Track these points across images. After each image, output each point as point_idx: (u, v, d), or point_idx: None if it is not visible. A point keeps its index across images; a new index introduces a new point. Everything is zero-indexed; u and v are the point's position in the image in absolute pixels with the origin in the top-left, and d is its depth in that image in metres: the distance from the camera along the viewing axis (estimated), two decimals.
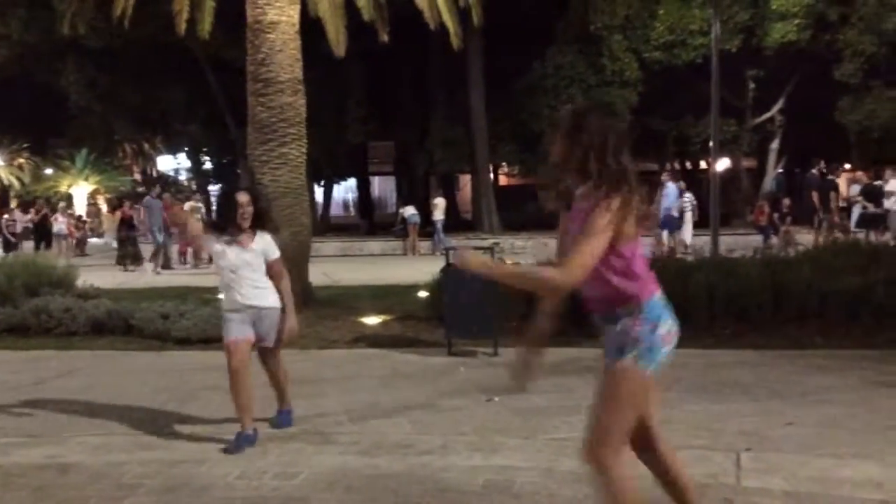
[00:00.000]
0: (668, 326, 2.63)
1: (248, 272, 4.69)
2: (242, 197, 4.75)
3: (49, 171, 39.14)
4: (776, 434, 4.59)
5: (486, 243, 14.09)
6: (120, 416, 5.31)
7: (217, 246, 4.73)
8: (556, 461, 4.10)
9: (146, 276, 15.34)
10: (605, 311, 2.63)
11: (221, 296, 4.90)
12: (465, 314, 7.01)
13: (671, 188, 16.81)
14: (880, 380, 5.86)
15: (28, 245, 21.02)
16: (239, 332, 4.64)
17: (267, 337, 4.77)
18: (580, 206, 2.53)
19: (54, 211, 22.34)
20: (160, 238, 16.67)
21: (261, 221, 4.81)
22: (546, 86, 23.07)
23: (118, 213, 22.58)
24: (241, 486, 3.93)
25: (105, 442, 4.71)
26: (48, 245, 20.37)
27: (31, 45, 24.11)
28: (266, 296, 4.73)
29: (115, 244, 19.97)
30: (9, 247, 20.18)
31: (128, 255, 17.70)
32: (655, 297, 2.61)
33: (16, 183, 42.21)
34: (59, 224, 20.83)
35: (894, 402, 5.25)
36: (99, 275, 12.83)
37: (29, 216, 22.26)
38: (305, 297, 9.75)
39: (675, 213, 16.74)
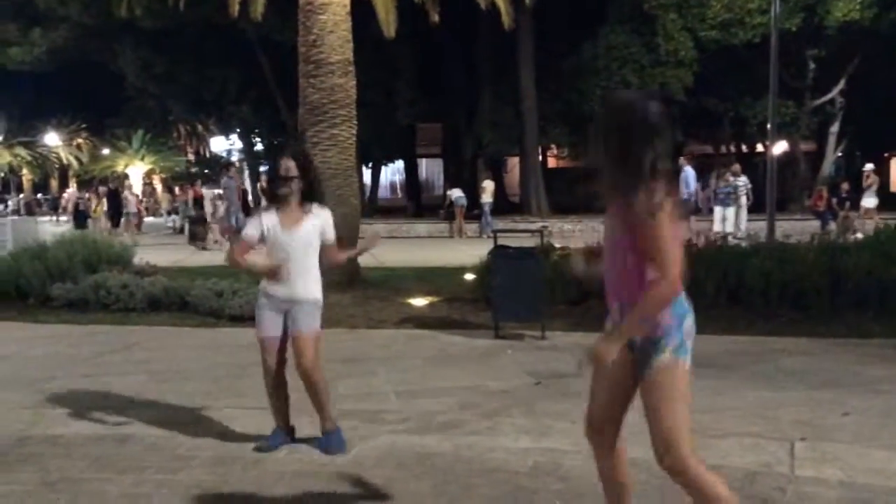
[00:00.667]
0: (691, 320, 2.63)
1: (299, 256, 4.03)
2: (287, 163, 4.00)
3: (106, 151, 40.25)
4: (832, 424, 4.48)
5: (534, 227, 13.98)
6: (175, 389, 5.45)
7: (265, 221, 4.05)
8: None
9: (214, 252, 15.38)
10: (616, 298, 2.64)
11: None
12: (513, 297, 6.98)
13: (689, 173, 16.28)
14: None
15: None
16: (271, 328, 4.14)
17: (297, 328, 4.10)
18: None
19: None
20: (234, 219, 16.37)
21: (312, 195, 4.09)
22: (597, 66, 22.70)
23: (188, 191, 23.13)
24: (292, 461, 4.00)
25: (161, 415, 4.84)
26: (116, 224, 20.91)
27: (88, 26, 24.72)
28: (309, 287, 4.08)
29: (173, 223, 20.47)
30: (82, 223, 20.79)
31: (199, 234, 17.94)
32: (682, 293, 2.57)
33: (74, 162, 43.53)
34: (129, 203, 21.33)
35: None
36: (159, 253, 13.18)
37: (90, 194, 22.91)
38: (353, 278, 9.86)
39: (694, 199, 16.27)
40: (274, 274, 4.02)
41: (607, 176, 2.54)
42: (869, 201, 17.06)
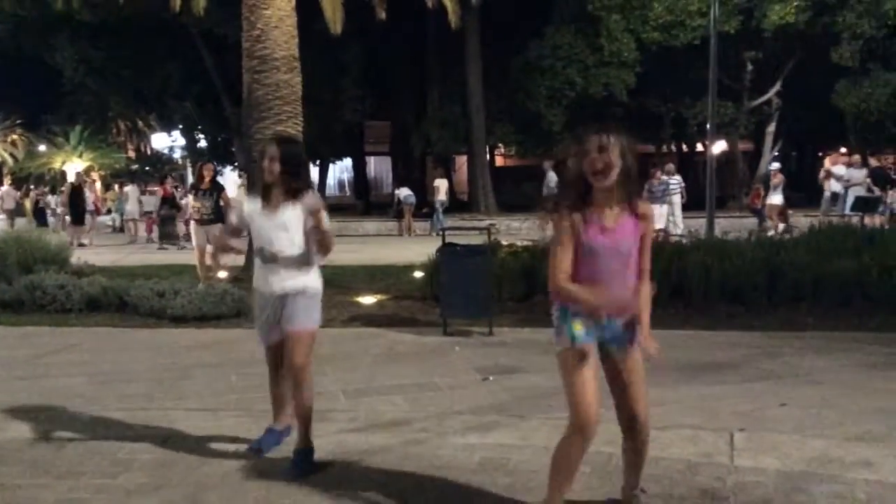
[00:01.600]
0: None
1: (283, 244, 3.81)
2: (271, 148, 3.83)
3: (42, 147, 38.96)
4: (770, 415, 4.62)
5: (482, 224, 14.06)
6: (116, 392, 5.31)
7: (246, 207, 3.94)
8: (552, 440, 4.08)
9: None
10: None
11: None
12: (461, 295, 7.01)
13: (550, 176, 17.81)
14: (873, 362, 5.90)
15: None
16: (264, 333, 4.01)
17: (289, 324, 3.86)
18: (623, 221, 2.87)
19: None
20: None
21: (297, 185, 3.82)
22: (543, 66, 22.96)
23: (125, 190, 22.38)
24: (236, 464, 3.93)
25: (101, 418, 4.71)
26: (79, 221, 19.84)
27: (23, 19, 23.84)
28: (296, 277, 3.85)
29: (112, 221, 19.85)
30: (43, 222, 19.84)
31: (171, 233, 17.46)
32: None
33: (9, 160, 42.00)
34: (89, 201, 20.35)
35: (887, 384, 5.28)
36: (100, 253, 12.80)
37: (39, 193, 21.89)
38: None
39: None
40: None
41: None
42: (775, 198, 17.73)
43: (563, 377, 2.93)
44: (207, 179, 10.14)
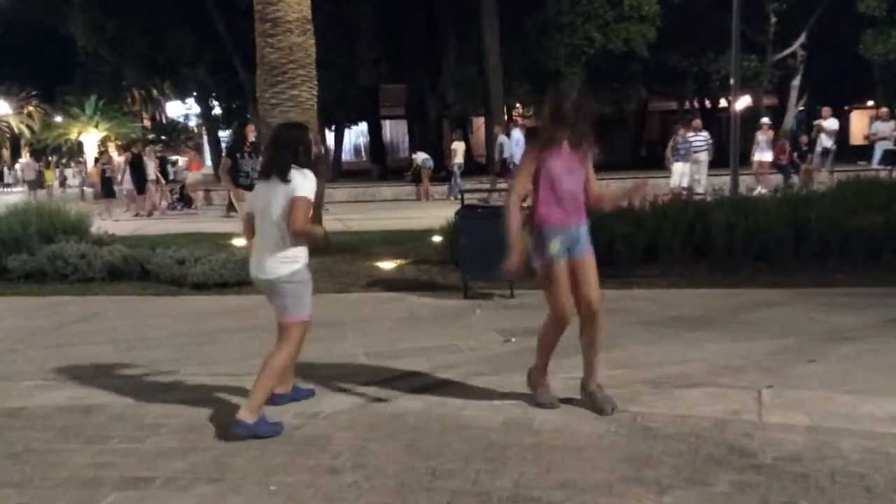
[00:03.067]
0: None
1: (265, 225, 3.88)
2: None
3: (58, 118, 39.07)
4: (798, 371, 4.55)
5: (501, 186, 13.95)
6: (141, 358, 5.34)
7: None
8: (575, 399, 4.09)
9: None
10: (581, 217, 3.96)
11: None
12: (481, 257, 6.93)
13: (509, 138, 17.83)
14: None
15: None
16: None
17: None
18: (576, 153, 3.95)
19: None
20: None
21: (279, 162, 3.83)
22: (562, 22, 22.49)
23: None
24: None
25: (127, 384, 4.74)
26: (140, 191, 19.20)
27: None
28: (275, 265, 3.83)
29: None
30: (110, 192, 19.34)
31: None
32: None
33: (26, 131, 42.22)
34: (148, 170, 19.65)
35: None
36: (123, 223, 12.83)
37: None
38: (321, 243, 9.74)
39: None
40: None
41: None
42: (764, 155, 17.45)
43: (544, 285, 3.94)
44: (250, 140, 9.97)
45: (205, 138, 32.64)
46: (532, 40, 23.21)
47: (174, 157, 28.26)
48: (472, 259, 6.99)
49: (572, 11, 22.46)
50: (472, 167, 25.84)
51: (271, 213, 3.80)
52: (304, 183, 3.76)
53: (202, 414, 4.14)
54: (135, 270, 8.31)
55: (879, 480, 3.11)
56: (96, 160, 23.43)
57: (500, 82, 24.18)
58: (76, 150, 36.12)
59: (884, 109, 17.65)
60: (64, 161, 32.91)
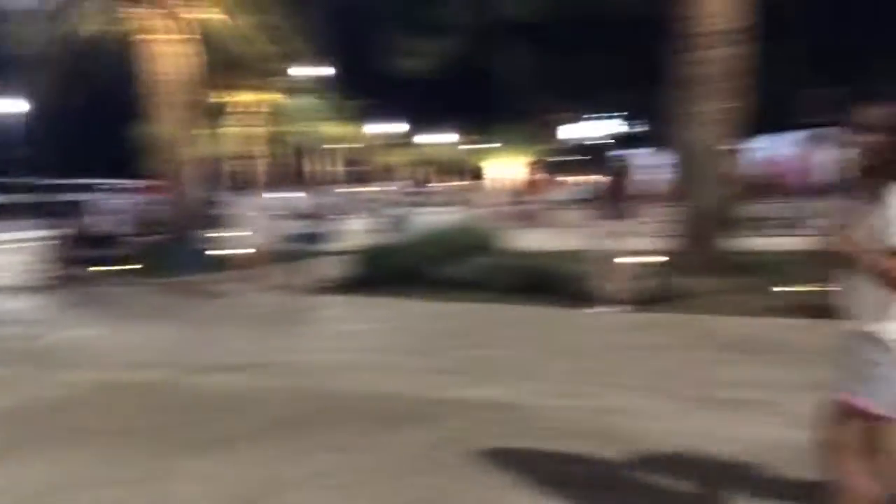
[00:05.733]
0: None
1: None
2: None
3: (481, 146, 43.92)
4: None
5: None
6: (564, 366, 5.70)
7: None
8: None
9: None
10: None
11: None
12: None
13: None
14: None
15: None
16: None
17: None
18: None
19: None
20: None
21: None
22: None
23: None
24: (672, 444, 3.90)
25: (547, 388, 5.08)
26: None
27: (472, 30, 26.73)
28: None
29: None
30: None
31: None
32: None
33: (467, 159, 48.30)
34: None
35: None
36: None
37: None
38: (729, 261, 9.29)
39: None
40: None
41: None
42: None
43: None
44: None
45: (619, 158, 33.37)
46: None
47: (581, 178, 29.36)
48: None
49: None
50: None
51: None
52: None
53: (610, 422, 4.24)
54: (545, 283, 8.69)
55: None
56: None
57: None
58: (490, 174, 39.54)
59: None
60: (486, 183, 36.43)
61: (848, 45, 24.02)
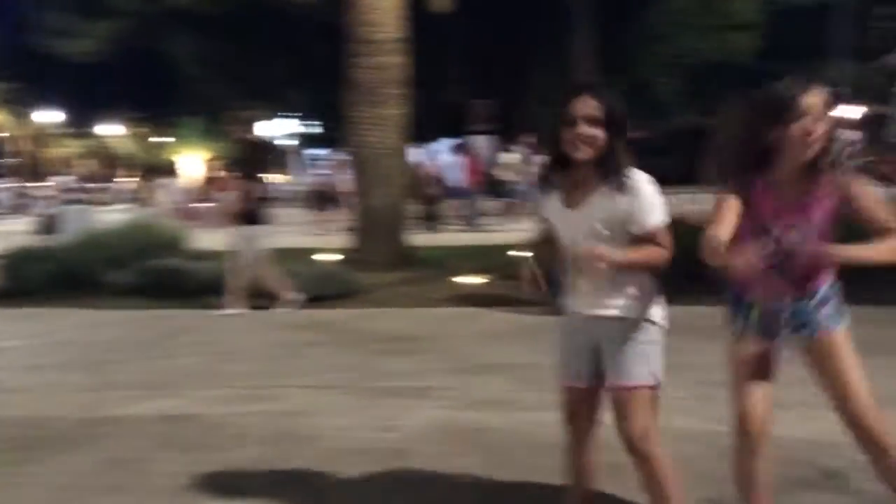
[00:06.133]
0: None
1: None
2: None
3: (164, 139, 41.21)
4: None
5: None
6: (233, 370, 5.55)
7: None
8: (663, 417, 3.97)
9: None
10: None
11: None
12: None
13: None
14: None
15: None
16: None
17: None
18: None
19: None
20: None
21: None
22: (657, 33, 22.06)
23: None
24: (343, 438, 4.03)
25: (223, 395, 4.93)
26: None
27: (145, 15, 25.02)
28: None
29: None
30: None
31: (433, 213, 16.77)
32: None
33: (133, 152, 44.70)
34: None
35: None
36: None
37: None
38: (405, 257, 9.90)
39: None
40: None
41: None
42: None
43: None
44: None
45: (294, 157, 33.63)
46: (627, 52, 22.89)
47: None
48: (556, 275, 6.90)
49: (668, 21, 22.04)
50: None
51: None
52: None
53: (288, 424, 4.26)
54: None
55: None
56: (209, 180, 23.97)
57: None
58: (171, 170, 37.44)
59: None
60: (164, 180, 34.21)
61: (511, 60, 26.90)
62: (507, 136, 29.65)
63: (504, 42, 26.77)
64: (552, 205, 2.65)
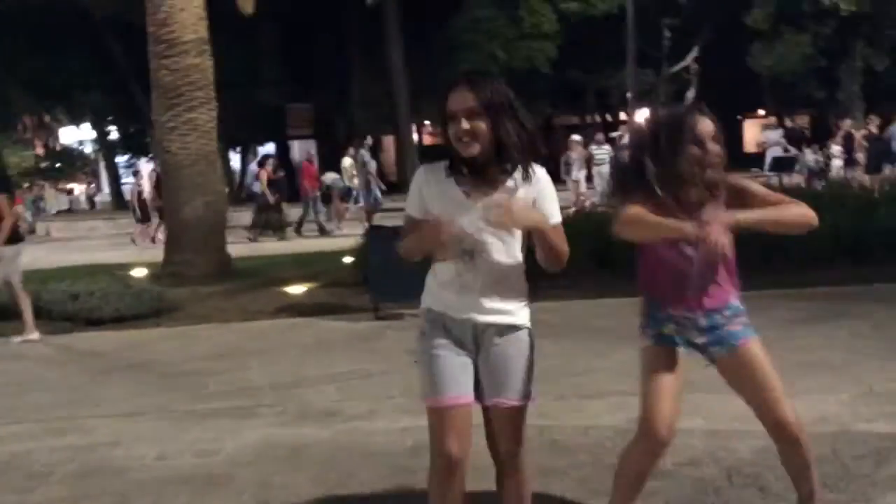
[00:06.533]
0: None
1: None
2: None
3: None
4: (695, 377, 4.68)
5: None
6: (32, 402, 5.04)
7: None
8: (480, 418, 4.08)
9: None
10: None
11: None
12: (390, 277, 6.89)
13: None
14: (791, 317, 6.08)
15: None
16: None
17: None
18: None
19: None
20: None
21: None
22: (465, 41, 22.84)
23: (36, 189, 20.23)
24: (160, 467, 3.78)
25: (11, 431, 4.46)
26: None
27: None
28: None
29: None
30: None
31: (274, 222, 16.20)
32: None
33: None
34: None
35: (807, 339, 5.44)
36: None
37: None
38: (224, 269, 9.50)
39: None
40: None
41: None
42: (577, 174, 17.34)
43: None
44: None
45: (102, 165, 31.35)
46: (437, 59, 23.49)
47: (70, 186, 27.11)
48: (381, 279, 6.94)
49: (475, 30, 22.88)
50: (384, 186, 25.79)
51: None
52: None
53: (95, 457, 3.92)
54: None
55: (772, 479, 3.23)
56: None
57: (407, 101, 24.32)
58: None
59: (772, 118, 18.68)
60: None
61: (329, 64, 26.60)
62: (326, 140, 29.54)
63: (320, 46, 26.51)
64: (448, 197, 2.38)
